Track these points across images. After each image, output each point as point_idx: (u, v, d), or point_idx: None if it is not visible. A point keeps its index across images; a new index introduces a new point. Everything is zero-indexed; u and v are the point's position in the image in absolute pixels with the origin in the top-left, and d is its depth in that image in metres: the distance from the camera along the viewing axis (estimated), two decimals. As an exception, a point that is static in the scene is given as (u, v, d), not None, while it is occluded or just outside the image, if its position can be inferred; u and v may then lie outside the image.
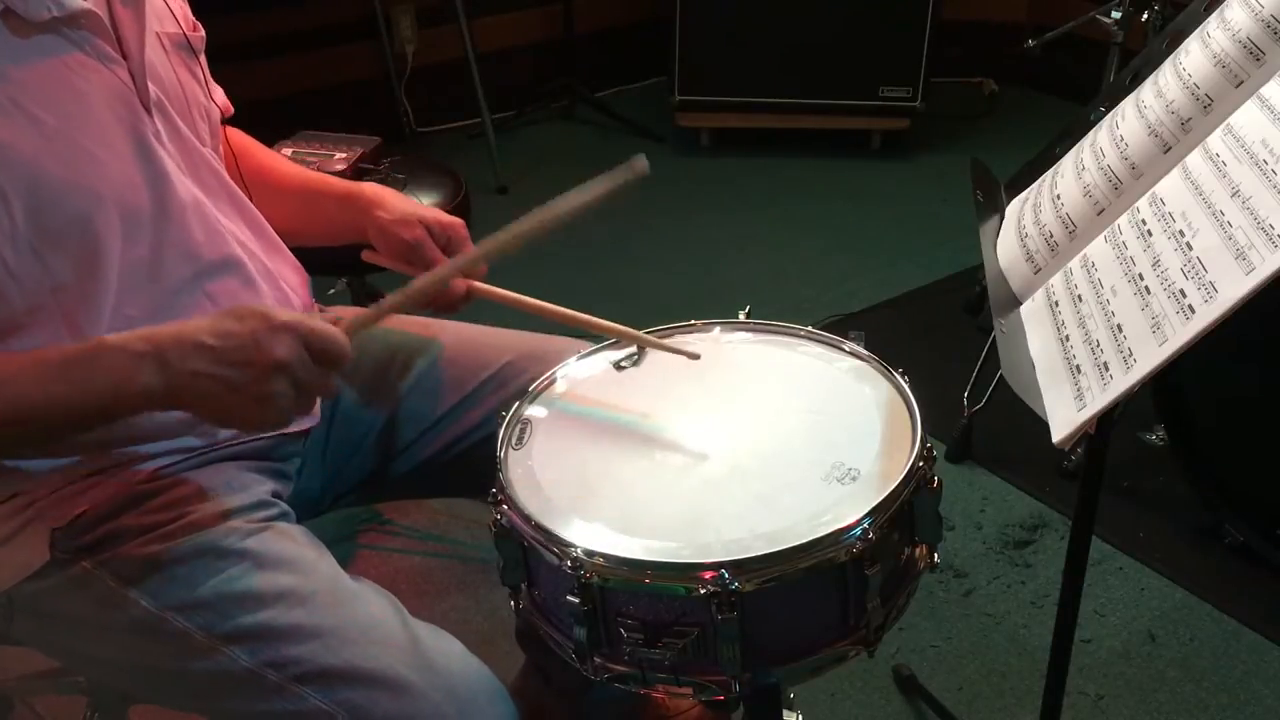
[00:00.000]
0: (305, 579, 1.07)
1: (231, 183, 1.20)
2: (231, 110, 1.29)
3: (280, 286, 1.22)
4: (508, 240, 1.16)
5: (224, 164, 1.22)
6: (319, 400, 1.27)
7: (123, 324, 1.05)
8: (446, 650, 1.08)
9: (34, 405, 0.94)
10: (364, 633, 1.04)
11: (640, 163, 1.09)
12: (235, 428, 1.03)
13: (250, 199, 1.23)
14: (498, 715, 1.06)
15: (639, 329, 1.23)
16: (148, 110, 1.06)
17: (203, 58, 1.20)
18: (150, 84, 1.06)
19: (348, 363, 1.00)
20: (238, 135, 1.34)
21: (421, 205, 1.31)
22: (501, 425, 1.11)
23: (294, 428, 1.22)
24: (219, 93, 1.27)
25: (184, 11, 1.18)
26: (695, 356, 1.18)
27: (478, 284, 1.28)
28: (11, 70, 0.95)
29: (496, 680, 1.09)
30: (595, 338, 1.25)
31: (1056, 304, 1.09)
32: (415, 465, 1.32)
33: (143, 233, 1.05)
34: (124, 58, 1.05)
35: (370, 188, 1.32)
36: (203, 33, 1.21)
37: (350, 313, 1.22)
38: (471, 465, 1.22)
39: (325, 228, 1.34)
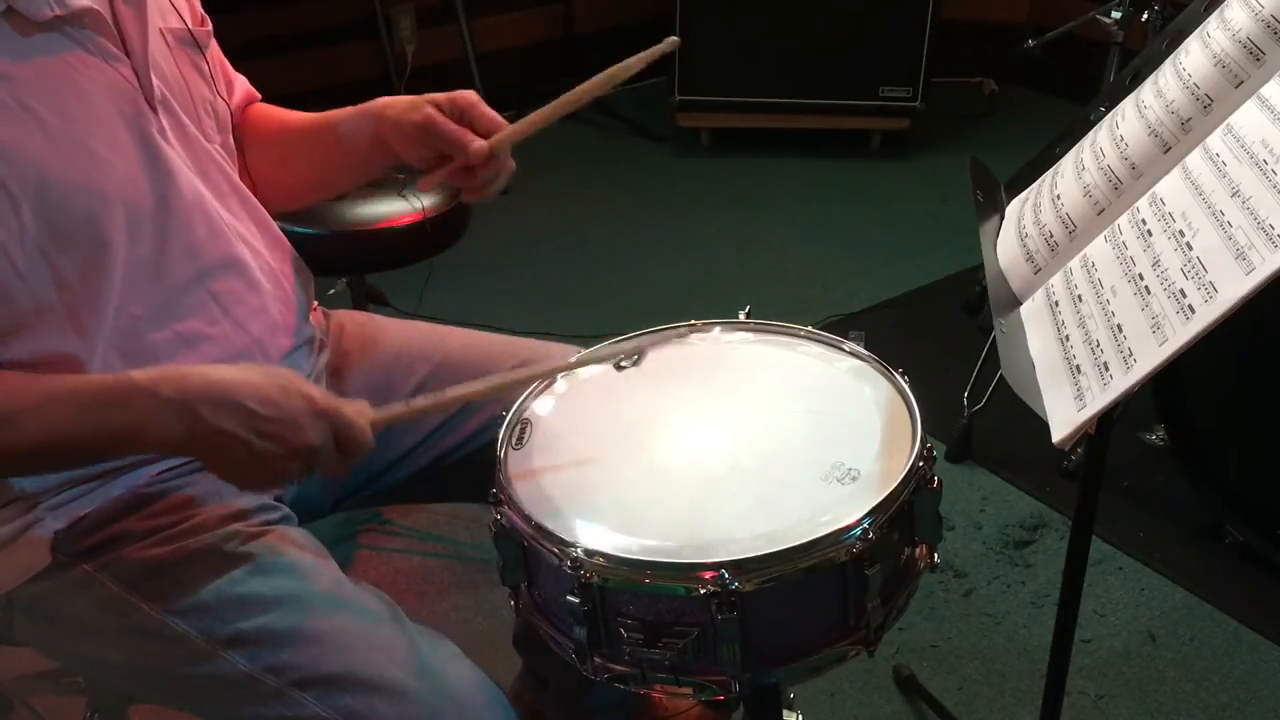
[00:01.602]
0: (305, 584, 1.07)
1: (238, 180, 1.19)
2: (258, 96, 1.29)
3: (283, 285, 1.22)
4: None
5: (233, 160, 1.21)
6: None
7: (126, 323, 1.05)
8: (445, 656, 1.08)
9: (57, 432, 0.95)
10: (363, 638, 1.04)
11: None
12: (235, 485, 1.04)
13: (255, 194, 1.23)
14: (496, 719, 1.06)
15: (639, 329, 1.23)
16: (152, 107, 1.06)
17: (211, 52, 1.19)
18: (154, 80, 1.06)
19: (364, 459, 1.04)
20: (265, 108, 1.33)
21: (428, 94, 1.25)
22: (501, 425, 1.11)
23: None
24: (242, 82, 1.27)
25: (190, 6, 1.18)
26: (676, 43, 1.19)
27: (497, 136, 1.24)
28: (14, 69, 0.95)
29: (495, 686, 1.09)
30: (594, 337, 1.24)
31: (1056, 304, 1.09)
32: (416, 470, 1.32)
33: (147, 231, 1.05)
34: (127, 55, 1.04)
35: (379, 100, 1.27)
36: (210, 26, 1.20)
37: (379, 326, 1.20)
38: (473, 470, 1.22)
39: (349, 156, 1.29)
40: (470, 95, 1.24)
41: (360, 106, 1.28)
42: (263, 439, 0.96)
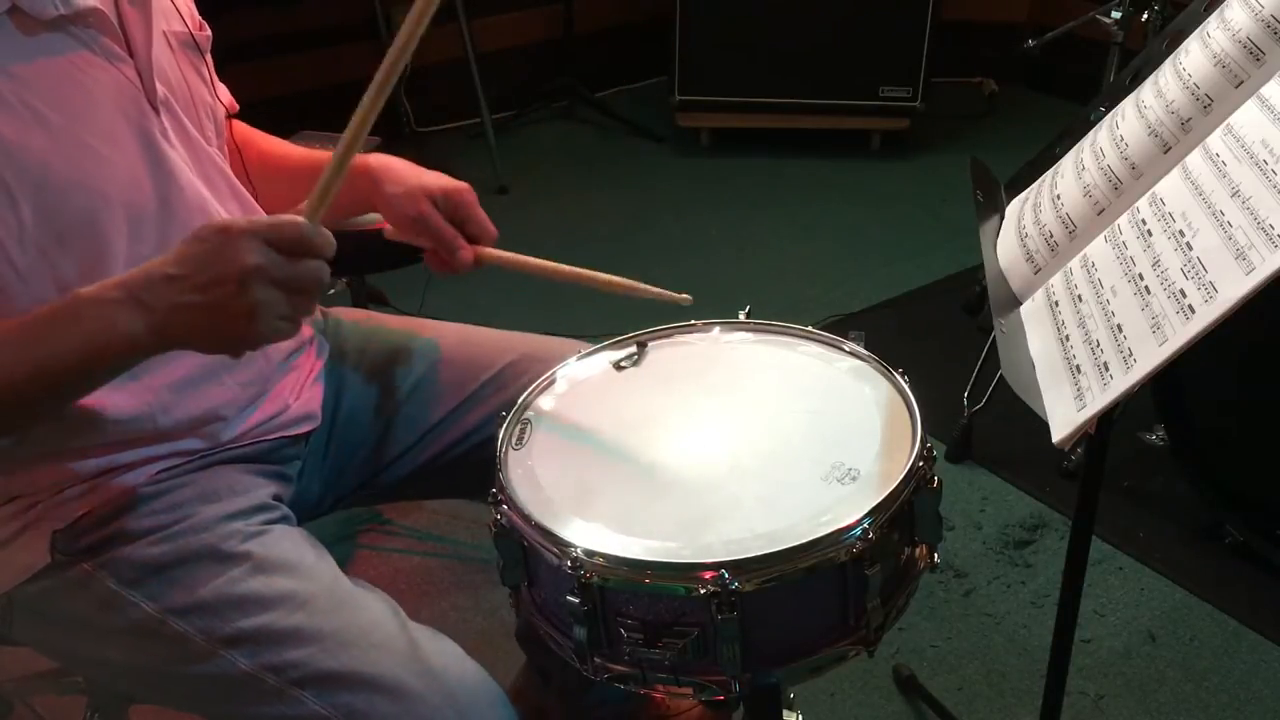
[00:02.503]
0: (305, 583, 1.07)
1: (236, 181, 1.20)
2: (236, 107, 1.29)
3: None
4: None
5: (229, 162, 1.21)
6: (320, 398, 1.27)
7: None
8: (446, 654, 1.08)
9: (18, 370, 0.92)
10: (363, 637, 1.04)
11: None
12: (238, 349, 0.97)
13: (255, 197, 1.23)
14: (496, 718, 1.06)
15: (639, 328, 1.23)
16: (154, 109, 1.06)
17: (209, 57, 1.20)
18: (157, 82, 1.06)
19: (327, 247, 0.97)
20: (241, 127, 1.34)
21: (427, 173, 1.28)
22: (501, 425, 1.11)
23: (294, 430, 1.22)
24: (224, 90, 1.27)
25: (190, 10, 1.18)
26: (688, 301, 1.19)
27: (485, 250, 1.25)
28: (19, 68, 0.95)
29: (495, 684, 1.09)
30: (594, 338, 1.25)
31: (1056, 304, 1.09)
32: (416, 467, 1.32)
33: (148, 231, 1.05)
34: (131, 56, 1.04)
35: (376, 158, 1.29)
36: (209, 32, 1.21)
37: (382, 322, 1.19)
38: (472, 467, 1.22)
39: (334, 207, 1.30)
40: (468, 194, 1.26)
41: (359, 163, 1.27)
42: (205, 290, 0.90)
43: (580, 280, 1.23)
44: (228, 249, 0.90)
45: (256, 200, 1.23)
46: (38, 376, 0.92)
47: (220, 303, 0.90)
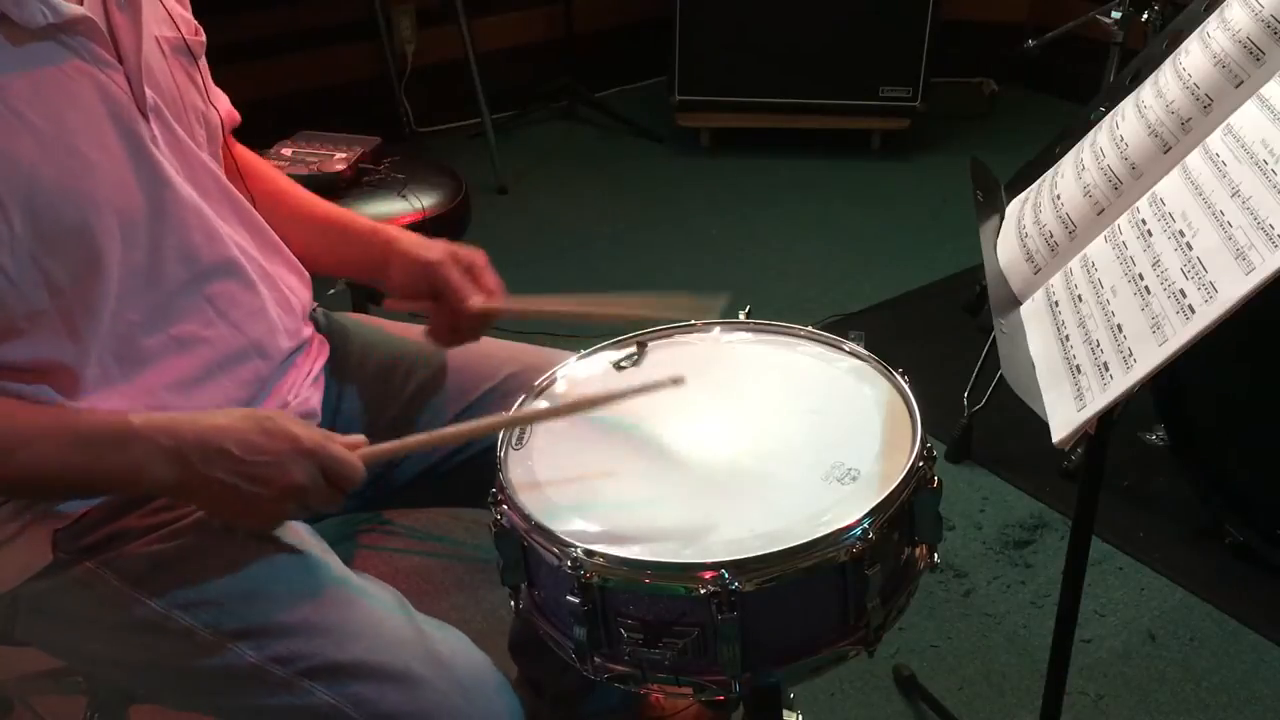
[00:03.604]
0: (311, 574, 1.07)
1: (230, 186, 1.19)
2: (239, 120, 1.28)
3: (279, 288, 1.22)
4: (540, 413, 1.16)
5: (223, 168, 1.21)
6: (320, 397, 1.27)
7: (122, 328, 1.05)
8: (452, 643, 1.08)
9: (52, 467, 0.98)
10: (370, 627, 1.05)
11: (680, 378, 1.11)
12: (234, 527, 1.07)
13: (253, 205, 1.23)
14: (504, 705, 1.07)
15: (639, 329, 1.23)
16: (144, 115, 1.06)
17: (203, 62, 1.20)
18: (147, 89, 1.06)
19: (359, 484, 1.04)
20: (253, 158, 1.34)
21: (439, 240, 1.28)
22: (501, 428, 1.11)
23: None
24: (224, 101, 1.27)
25: (184, 16, 1.18)
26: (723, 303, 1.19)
27: (492, 304, 1.24)
28: (7, 77, 0.94)
29: (501, 673, 1.10)
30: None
31: (1056, 304, 1.09)
32: (417, 475, 1.32)
33: (140, 237, 1.05)
34: (120, 63, 1.04)
35: (395, 228, 1.30)
36: (203, 37, 1.20)
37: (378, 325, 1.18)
38: (473, 475, 1.22)
39: (340, 263, 1.33)
40: (480, 257, 1.26)
41: (374, 226, 1.30)
42: (250, 483, 0.99)
43: (592, 319, 1.23)
44: (290, 462, 1.00)
45: (254, 206, 1.23)
46: (64, 478, 1.00)
47: (254, 498, 1.00)
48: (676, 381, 1.10)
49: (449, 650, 1.07)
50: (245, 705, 1.06)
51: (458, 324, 1.24)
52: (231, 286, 1.14)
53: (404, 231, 1.29)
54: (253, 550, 1.07)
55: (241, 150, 1.32)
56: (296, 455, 1.00)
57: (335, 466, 1.01)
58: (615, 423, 1.11)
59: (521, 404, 1.15)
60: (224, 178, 1.19)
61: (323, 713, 1.02)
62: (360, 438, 1.07)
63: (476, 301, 1.21)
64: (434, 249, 1.24)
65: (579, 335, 1.30)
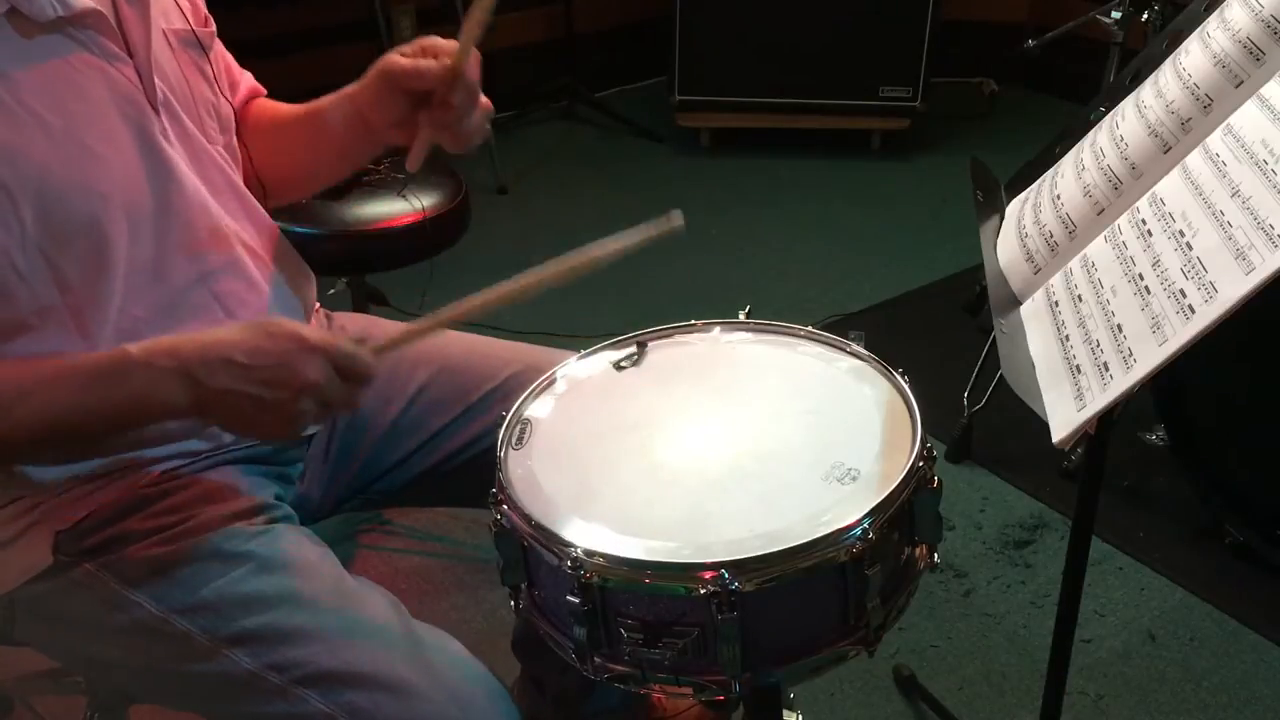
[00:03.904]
0: (307, 581, 1.07)
1: (239, 182, 1.19)
2: (263, 91, 1.29)
3: (284, 287, 1.22)
4: (532, 283, 1.11)
5: (235, 161, 1.21)
6: None
7: (129, 324, 1.05)
8: (448, 651, 1.08)
9: (58, 414, 0.96)
10: (366, 635, 1.04)
11: (676, 218, 1.08)
12: (255, 438, 1.06)
13: (262, 201, 1.23)
14: (499, 715, 1.06)
15: (639, 328, 1.23)
16: (154, 108, 1.06)
17: (214, 52, 1.19)
18: (157, 82, 1.06)
19: (373, 381, 1.02)
20: (260, 103, 1.33)
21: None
22: (501, 425, 1.11)
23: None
24: (247, 78, 1.27)
25: (194, 7, 1.18)
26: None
27: (453, 47, 1.20)
28: (17, 71, 0.95)
29: (497, 681, 1.09)
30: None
31: (1056, 304, 1.09)
32: (417, 474, 1.32)
33: (147, 232, 1.05)
34: (130, 56, 1.04)
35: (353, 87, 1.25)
36: (213, 28, 1.20)
37: (383, 329, 1.19)
38: (474, 475, 1.22)
39: (332, 141, 1.27)
40: (432, 38, 1.20)
41: (342, 90, 1.26)
42: (263, 385, 0.96)
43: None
44: (298, 359, 0.97)
45: (262, 204, 1.23)
46: (74, 424, 0.97)
47: (271, 402, 0.97)
48: (673, 223, 1.07)
49: (445, 659, 1.06)
50: (240, 711, 1.06)
51: (448, 106, 1.18)
52: (237, 285, 1.14)
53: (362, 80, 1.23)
54: (251, 557, 1.07)
55: (261, 105, 1.31)
56: (304, 352, 0.97)
57: (346, 360, 0.99)
58: (616, 423, 1.11)
59: (524, 401, 1.14)
60: (233, 173, 1.19)
61: None
62: (363, 334, 1.04)
63: (434, 64, 1.17)
64: (385, 60, 1.19)
65: (580, 336, 1.30)
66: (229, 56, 1.24)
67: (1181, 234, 0.95)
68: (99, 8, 1.00)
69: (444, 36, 1.20)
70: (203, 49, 1.16)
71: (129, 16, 1.05)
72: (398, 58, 1.17)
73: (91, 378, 0.97)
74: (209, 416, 1.00)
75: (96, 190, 1.00)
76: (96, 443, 1.04)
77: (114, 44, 1.02)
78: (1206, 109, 1.03)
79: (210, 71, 1.17)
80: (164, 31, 1.10)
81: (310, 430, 1.20)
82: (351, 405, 1.02)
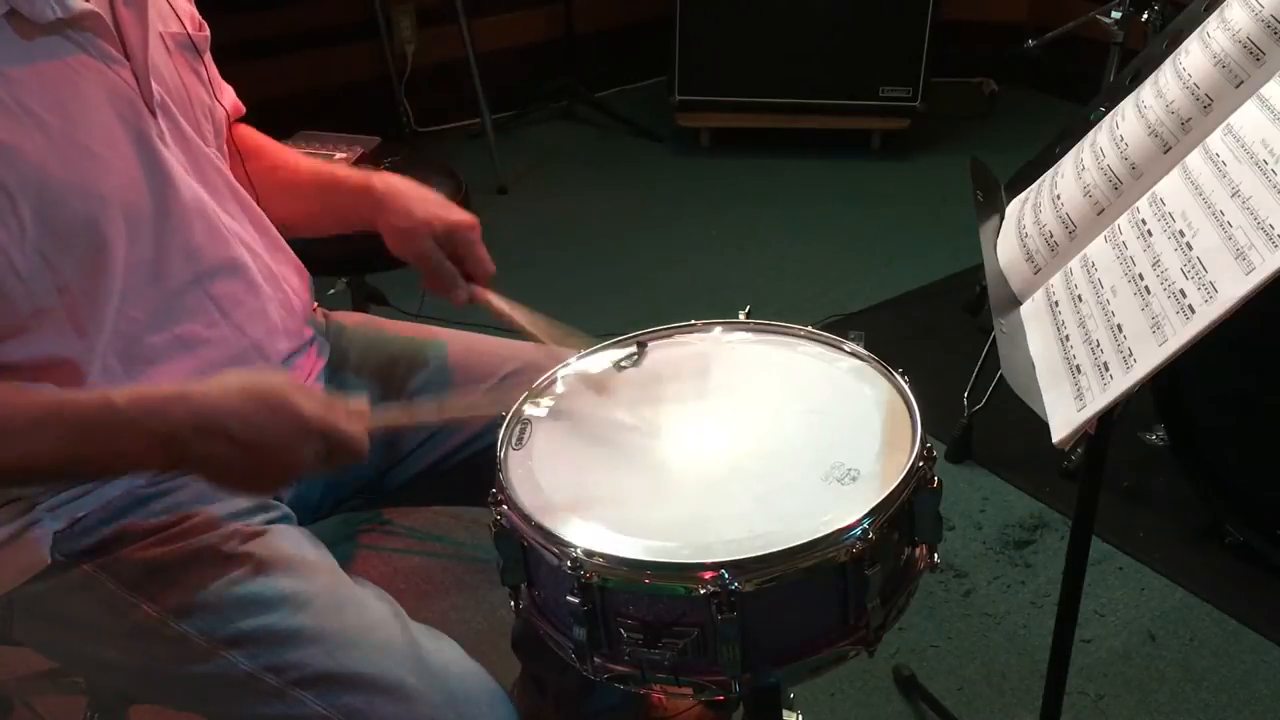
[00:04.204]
0: (305, 583, 1.07)
1: (236, 183, 1.20)
2: (243, 110, 1.29)
3: (283, 288, 1.22)
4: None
5: (229, 164, 1.21)
6: None
7: (126, 325, 1.05)
8: (446, 654, 1.08)
9: (39, 459, 0.96)
10: (364, 637, 1.04)
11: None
12: (227, 493, 1.06)
13: (256, 200, 1.23)
14: (497, 718, 1.06)
15: (639, 329, 1.23)
16: (151, 111, 1.06)
17: (208, 57, 1.20)
18: (154, 84, 1.06)
19: (362, 461, 1.03)
20: (251, 134, 1.34)
21: (431, 202, 1.28)
22: (501, 425, 1.11)
23: None
24: (229, 93, 1.27)
25: (189, 11, 1.18)
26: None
27: (480, 293, 1.28)
28: (16, 72, 0.95)
29: (495, 683, 1.09)
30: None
31: (1056, 304, 1.09)
32: (416, 473, 1.32)
33: (145, 233, 1.05)
34: (127, 58, 1.04)
35: (381, 181, 1.29)
36: (208, 32, 1.20)
37: (385, 338, 1.27)
38: (473, 473, 1.22)
39: (339, 222, 1.33)
40: (472, 230, 1.27)
41: (362, 185, 1.30)
42: (250, 453, 0.96)
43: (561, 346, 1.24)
44: (294, 441, 0.96)
45: (258, 202, 1.23)
46: (57, 464, 0.98)
47: (255, 469, 0.97)
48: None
49: (443, 661, 1.06)
50: (238, 713, 1.06)
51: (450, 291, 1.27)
52: (235, 286, 1.15)
53: (392, 192, 1.28)
54: (249, 558, 1.07)
55: (245, 131, 1.32)
56: (302, 434, 0.96)
57: (341, 445, 0.99)
58: (616, 423, 1.11)
59: (524, 401, 1.15)
60: (230, 175, 1.19)
61: None
62: (363, 402, 1.04)
63: (461, 296, 1.26)
64: (418, 240, 1.24)
65: (576, 329, 1.30)
66: (213, 67, 1.24)
67: (1181, 234, 0.95)
68: (97, 10, 1.00)
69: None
70: (198, 53, 1.17)
71: (126, 19, 1.05)
72: (436, 256, 1.25)
73: (74, 429, 0.96)
74: (184, 470, 1.02)
75: (95, 191, 1.00)
76: (61, 480, 1.05)
77: (111, 46, 1.03)
78: (1206, 109, 1.03)
79: (205, 75, 1.18)
80: (161, 35, 1.10)
81: (287, 342, 1.22)
82: (329, 475, 1.04)
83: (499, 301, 1.28)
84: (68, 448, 0.96)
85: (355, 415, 1.01)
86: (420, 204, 1.27)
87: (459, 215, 1.28)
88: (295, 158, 1.36)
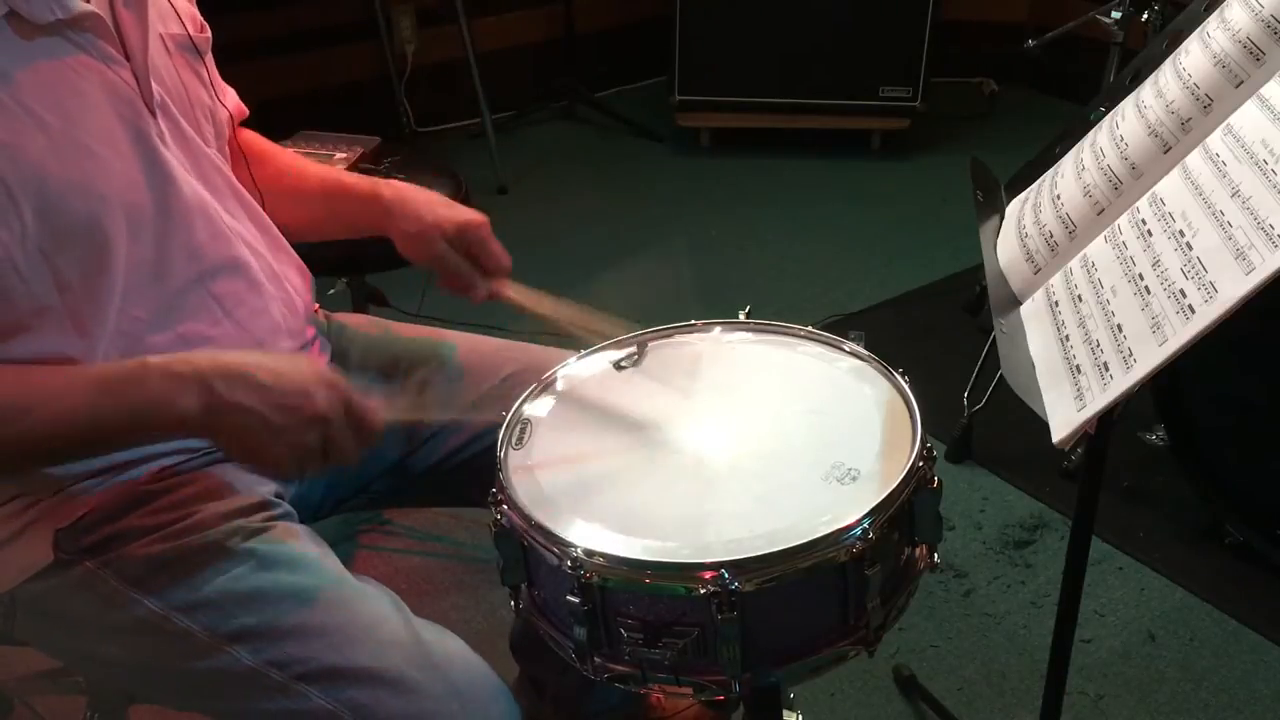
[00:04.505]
0: (308, 578, 1.07)
1: (238, 184, 1.20)
2: (246, 113, 1.30)
3: (285, 287, 1.22)
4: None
5: (230, 165, 1.21)
6: None
7: (128, 325, 1.05)
8: (449, 648, 1.08)
9: (77, 419, 0.97)
10: (367, 631, 1.04)
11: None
12: (256, 468, 1.06)
13: (262, 205, 1.23)
14: (501, 712, 1.07)
15: (639, 329, 1.23)
16: (151, 111, 1.06)
17: (209, 58, 1.20)
18: (154, 85, 1.07)
19: (375, 443, 1.04)
20: (256, 139, 1.34)
21: (439, 204, 1.29)
22: (501, 425, 1.11)
23: None
24: (231, 95, 1.27)
25: (190, 12, 1.18)
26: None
27: (500, 289, 1.30)
28: (16, 73, 0.95)
29: (499, 678, 1.10)
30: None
31: (1056, 304, 1.09)
32: (417, 473, 1.32)
33: (146, 233, 1.05)
34: (127, 59, 1.05)
35: (389, 189, 1.31)
36: (209, 33, 1.21)
37: (389, 337, 1.30)
38: (474, 475, 1.22)
39: (347, 229, 1.35)
40: (482, 228, 1.29)
41: (370, 193, 1.31)
42: (277, 409, 0.97)
43: (588, 330, 1.25)
44: (319, 393, 0.99)
45: (260, 204, 1.23)
46: (91, 427, 0.98)
47: (280, 426, 0.97)
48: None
49: (446, 655, 1.06)
50: (242, 708, 1.06)
51: (469, 290, 1.29)
52: (237, 285, 1.15)
53: (401, 198, 1.29)
54: (251, 554, 1.07)
55: (249, 137, 1.33)
56: (323, 383, 0.99)
57: (358, 405, 1.01)
58: (616, 423, 1.11)
59: (524, 401, 1.15)
60: (232, 175, 1.19)
61: (319, 717, 1.02)
62: (377, 397, 1.06)
63: (479, 295, 1.27)
64: (431, 242, 1.26)
65: (579, 336, 1.30)
66: (214, 69, 1.24)
67: (1181, 234, 0.95)
68: (97, 11, 1.01)
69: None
70: (199, 53, 1.17)
71: (126, 20, 1.05)
72: (450, 258, 1.27)
73: (107, 380, 0.98)
74: (217, 433, 1.00)
75: (96, 191, 1.00)
76: (102, 447, 1.04)
77: (111, 47, 1.03)
78: (1206, 109, 1.03)
79: (206, 76, 1.18)
80: (161, 36, 1.10)
81: (289, 341, 1.22)
82: (351, 455, 1.02)
83: (518, 293, 1.29)
84: (101, 402, 0.97)
85: (370, 402, 1.04)
86: (428, 208, 1.29)
87: (468, 214, 1.29)
88: (302, 163, 1.37)
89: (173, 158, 1.08)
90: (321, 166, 1.39)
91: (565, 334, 1.26)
